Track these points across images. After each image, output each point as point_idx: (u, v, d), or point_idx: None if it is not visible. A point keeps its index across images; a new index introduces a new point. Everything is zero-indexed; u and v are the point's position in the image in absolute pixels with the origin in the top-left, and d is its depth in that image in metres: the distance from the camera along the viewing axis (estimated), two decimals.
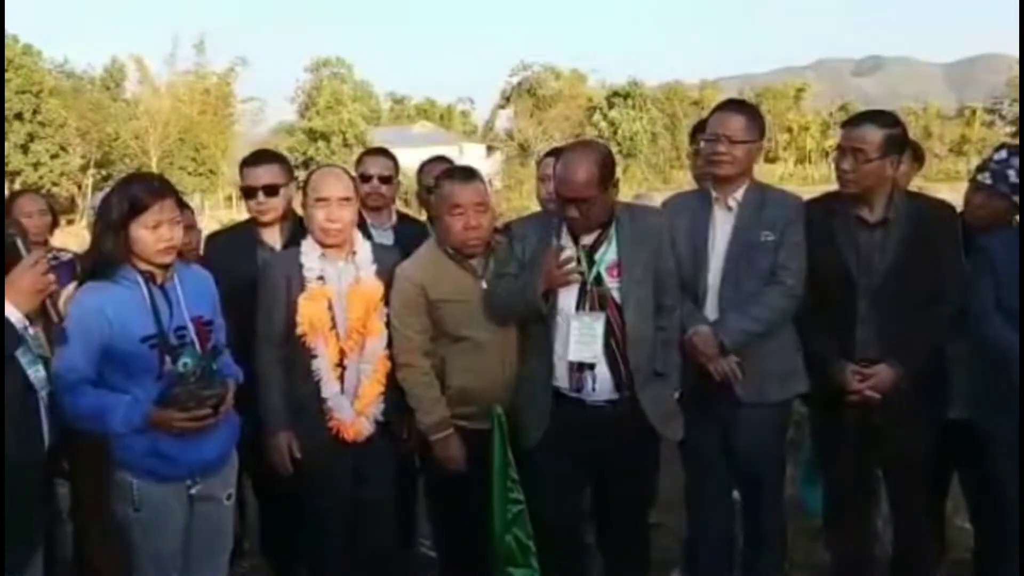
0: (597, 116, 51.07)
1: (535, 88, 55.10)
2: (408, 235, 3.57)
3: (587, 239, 2.94)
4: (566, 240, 2.95)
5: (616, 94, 52.64)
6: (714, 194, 3.16)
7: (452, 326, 2.97)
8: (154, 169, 32.65)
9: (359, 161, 3.89)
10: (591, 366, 2.89)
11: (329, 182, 2.99)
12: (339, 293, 2.95)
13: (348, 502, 2.98)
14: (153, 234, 2.51)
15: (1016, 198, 3.07)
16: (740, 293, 3.08)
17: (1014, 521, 2.88)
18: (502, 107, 58.62)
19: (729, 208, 3.13)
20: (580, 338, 2.89)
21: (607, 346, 2.90)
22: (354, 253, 3.02)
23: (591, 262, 2.92)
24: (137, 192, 2.52)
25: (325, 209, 2.95)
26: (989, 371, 2.90)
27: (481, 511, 2.86)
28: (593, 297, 2.91)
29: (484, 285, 2.98)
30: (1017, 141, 3.37)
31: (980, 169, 3.16)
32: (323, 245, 2.98)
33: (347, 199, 2.98)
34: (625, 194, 4.87)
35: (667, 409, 2.99)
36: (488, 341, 2.97)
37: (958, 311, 2.95)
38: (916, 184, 3.45)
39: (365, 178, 3.74)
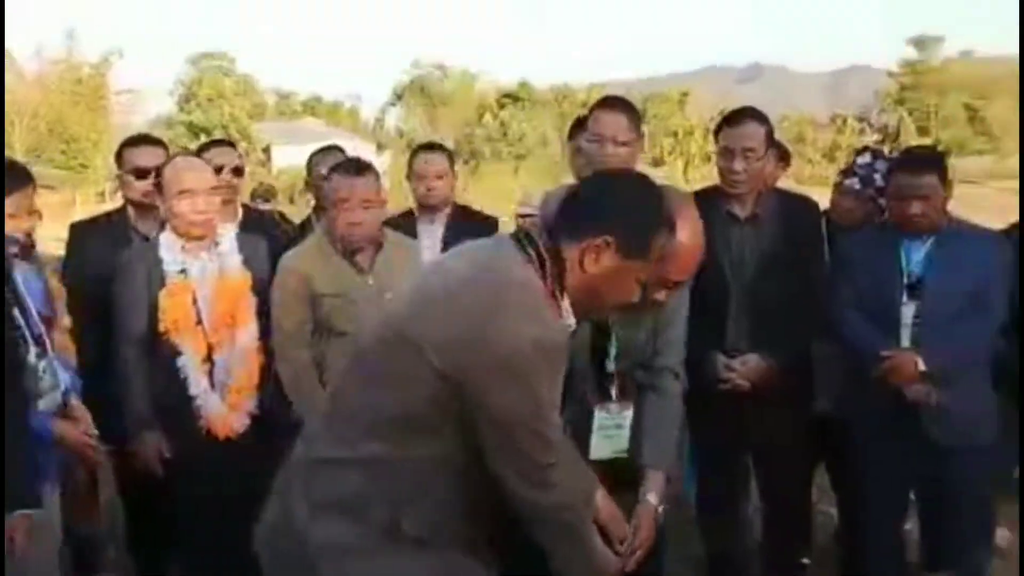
0: (488, 117, 51.27)
1: (426, 87, 54.91)
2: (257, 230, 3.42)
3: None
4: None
5: (506, 95, 52.96)
6: None
7: (334, 321, 2.91)
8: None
9: (203, 153, 3.73)
10: None
11: (194, 173, 2.90)
12: (203, 286, 2.87)
13: (222, 501, 2.88)
14: None
15: (883, 200, 3.23)
16: None
17: (875, 508, 3.02)
18: (392, 105, 58.21)
19: None
20: (603, 432, 2.35)
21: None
22: (216, 244, 2.93)
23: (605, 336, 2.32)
24: None
25: (190, 201, 2.84)
26: (849, 367, 3.03)
27: None
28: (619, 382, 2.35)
29: (370, 281, 2.93)
30: (880, 147, 3.53)
31: (847, 174, 3.30)
32: (185, 237, 2.88)
33: (214, 189, 2.90)
34: (507, 198, 4.91)
35: None
36: None
37: (822, 308, 3.07)
38: (789, 188, 3.58)
39: (214, 170, 3.60)
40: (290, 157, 36.94)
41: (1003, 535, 3.67)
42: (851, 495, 3.23)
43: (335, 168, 3.02)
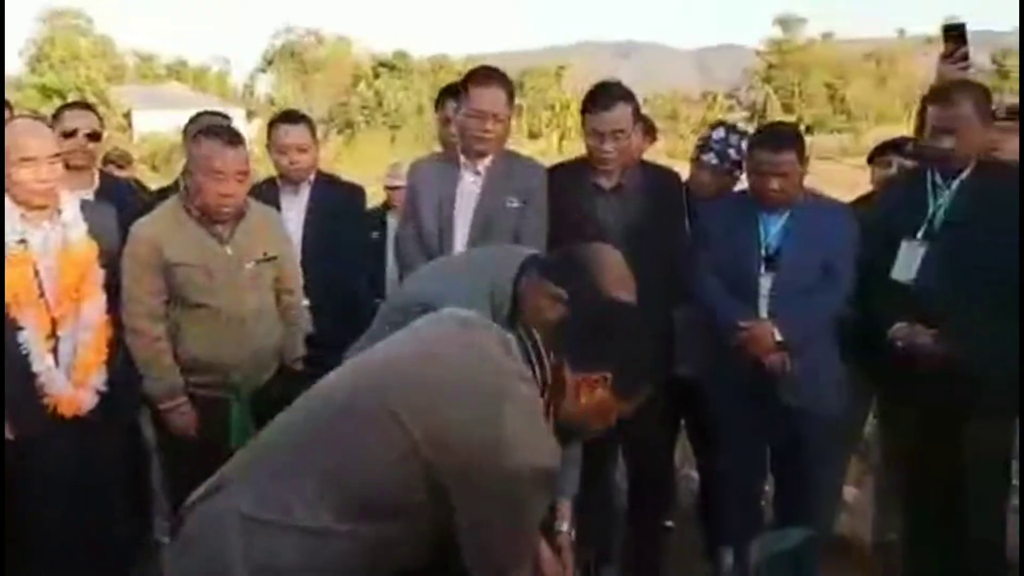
0: (362, 86, 50.35)
1: (298, 53, 53.41)
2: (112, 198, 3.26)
3: None
4: None
5: (382, 64, 52.12)
6: (462, 159, 3.17)
7: (189, 291, 2.80)
8: None
9: (58, 116, 3.53)
10: None
11: (37, 140, 2.70)
12: (45, 258, 2.70)
13: (69, 486, 2.74)
14: None
15: (738, 172, 3.32)
16: None
17: (734, 471, 3.13)
18: (263, 71, 56.36)
19: (477, 173, 3.16)
20: None
21: None
22: (59, 212, 2.76)
23: None
24: None
25: (32, 168, 2.66)
26: (707, 332, 3.12)
27: None
28: None
29: (229, 251, 2.83)
30: (737, 123, 3.62)
31: (703, 149, 3.38)
32: (25, 206, 2.70)
33: (55, 156, 2.72)
34: (382, 168, 4.82)
35: None
36: (227, 309, 2.83)
37: (683, 276, 3.14)
38: (662, 163, 3.66)
39: (68, 134, 3.39)
40: (153, 123, 35.29)
41: (850, 492, 3.89)
42: (712, 458, 3.34)
43: (206, 134, 2.88)
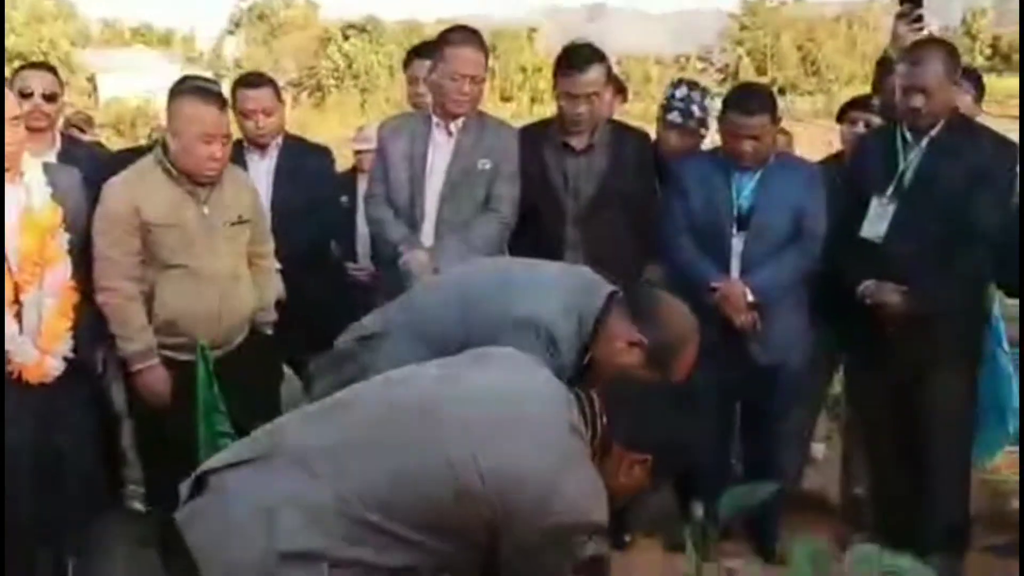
0: (332, 49, 49.68)
1: (266, 16, 52.52)
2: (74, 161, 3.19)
3: None
4: None
5: (352, 27, 51.40)
6: (435, 119, 3.15)
7: (165, 252, 2.76)
8: None
9: (15, 77, 3.44)
10: None
11: None
12: (8, 222, 2.63)
13: (37, 453, 2.71)
14: None
15: (704, 130, 3.32)
16: (458, 220, 3.11)
17: (706, 427, 3.15)
18: (230, 33, 55.39)
19: (449, 134, 3.14)
20: None
21: None
22: (22, 174, 2.70)
23: None
24: None
25: None
26: (681, 291, 3.13)
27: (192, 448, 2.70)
28: None
29: (205, 211, 2.80)
30: (693, 78, 3.58)
31: (666, 109, 3.37)
32: None
33: (15, 118, 2.64)
34: (353, 130, 4.76)
35: None
36: (203, 270, 2.79)
37: (655, 235, 3.15)
38: (636, 125, 3.65)
39: (25, 95, 3.30)
40: (118, 87, 34.62)
41: (818, 448, 3.94)
42: None
43: (196, 96, 2.85)
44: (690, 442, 1.90)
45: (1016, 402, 3.32)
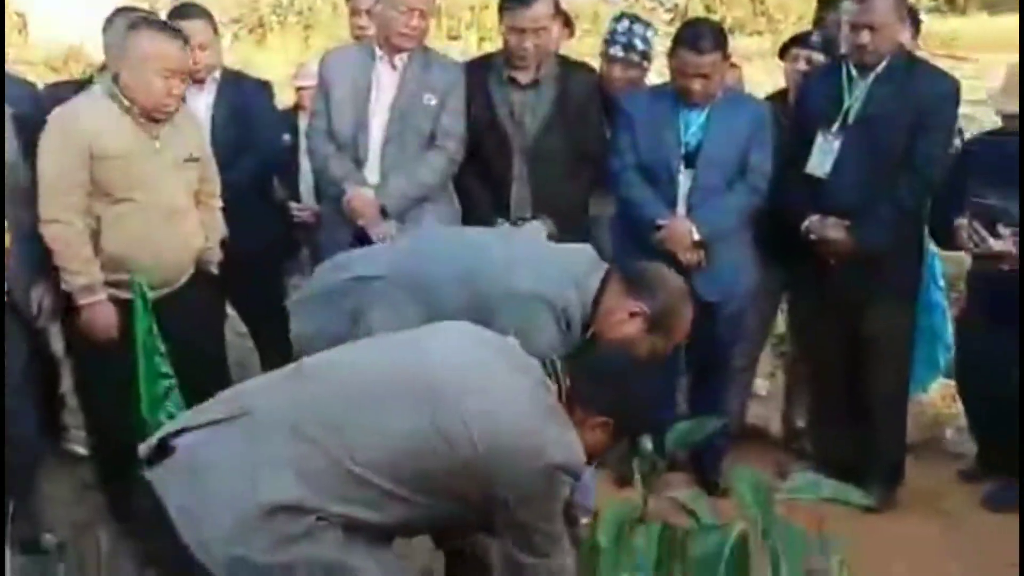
0: None
1: None
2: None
3: None
4: None
5: None
6: (379, 52, 3.07)
7: (114, 185, 2.67)
8: None
9: None
10: None
11: None
12: None
13: None
14: None
15: (647, 64, 3.31)
16: (404, 156, 3.05)
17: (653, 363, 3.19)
18: None
19: (394, 68, 3.07)
20: None
21: None
22: None
23: None
24: None
25: None
26: (627, 227, 3.14)
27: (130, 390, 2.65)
28: None
29: (157, 146, 2.71)
30: (634, 11, 3.52)
31: (609, 43, 3.33)
32: None
33: None
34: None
35: None
36: (152, 206, 2.71)
37: (601, 169, 3.14)
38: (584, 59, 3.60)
39: None
40: (49, 25, 33.30)
41: (761, 384, 4.02)
42: None
43: (152, 27, 2.75)
44: (646, 403, 2.00)
45: (949, 337, 3.42)
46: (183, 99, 2.76)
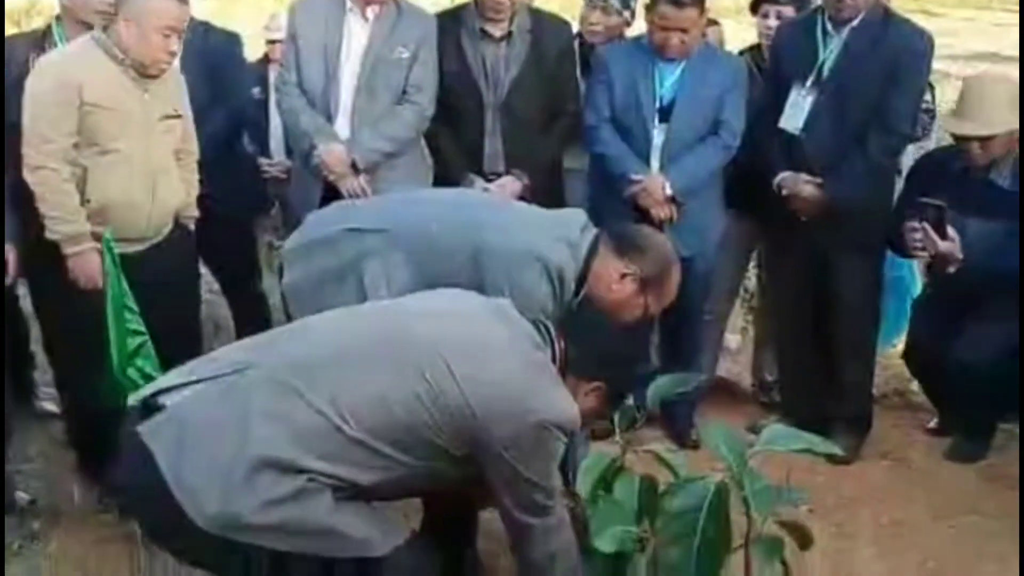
0: None
1: None
2: None
3: None
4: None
5: None
6: (349, 4, 3.02)
7: (102, 136, 2.63)
8: None
9: None
10: None
11: None
12: None
13: None
14: None
15: (628, 15, 3.29)
16: (375, 110, 3.02)
17: None
18: None
19: (365, 19, 3.03)
20: None
21: None
22: None
23: None
24: None
25: None
26: (601, 181, 3.13)
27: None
28: None
29: (146, 97, 2.68)
30: None
31: None
32: None
33: None
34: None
35: None
36: (138, 158, 2.68)
37: (575, 123, 3.13)
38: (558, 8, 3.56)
39: None
40: None
41: (733, 338, 4.06)
42: None
43: None
44: (634, 363, 2.06)
45: (917, 290, 3.47)
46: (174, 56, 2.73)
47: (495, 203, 2.45)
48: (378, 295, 2.17)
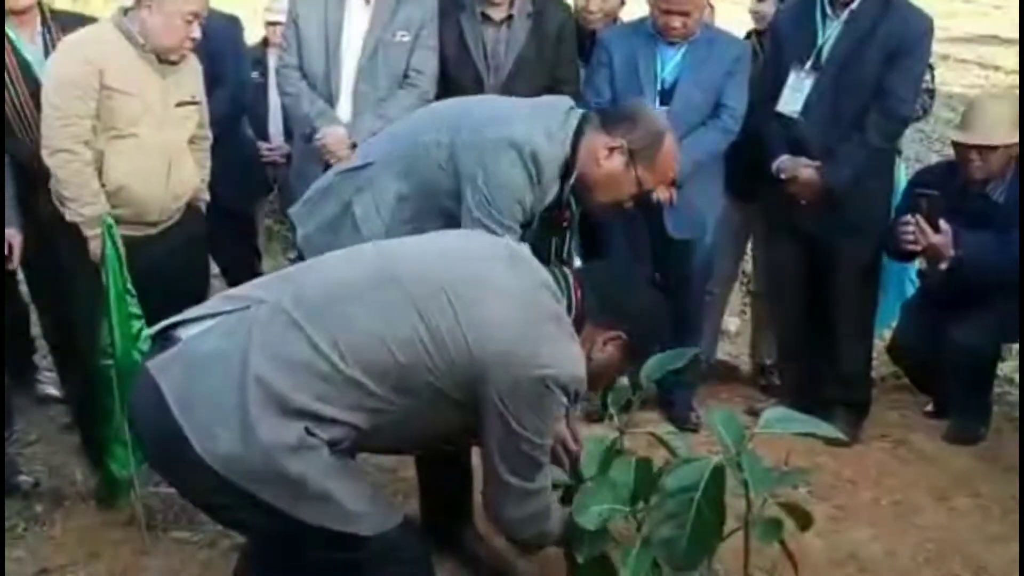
0: None
1: None
2: None
3: None
4: None
5: None
6: None
7: (120, 120, 2.64)
8: None
9: None
10: None
11: None
12: None
13: None
14: None
15: None
16: (375, 93, 3.02)
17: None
18: None
19: (367, 2, 3.03)
20: None
21: None
22: None
23: None
24: None
25: None
26: None
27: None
28: None
29: (165, 83, 2.69)
30: None
31: None
32: None
33: None
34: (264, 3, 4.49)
35: None
36: (155, 143, 2.69)
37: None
38: None
39: None
40: None
41: (732, 321, 4.07)
42: None
43: None
44: (660, 317, 2.00)
45: (914, 272, 3.48)
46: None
47: (482, 101, 2.42)
48: (371, 227, 2.19)
